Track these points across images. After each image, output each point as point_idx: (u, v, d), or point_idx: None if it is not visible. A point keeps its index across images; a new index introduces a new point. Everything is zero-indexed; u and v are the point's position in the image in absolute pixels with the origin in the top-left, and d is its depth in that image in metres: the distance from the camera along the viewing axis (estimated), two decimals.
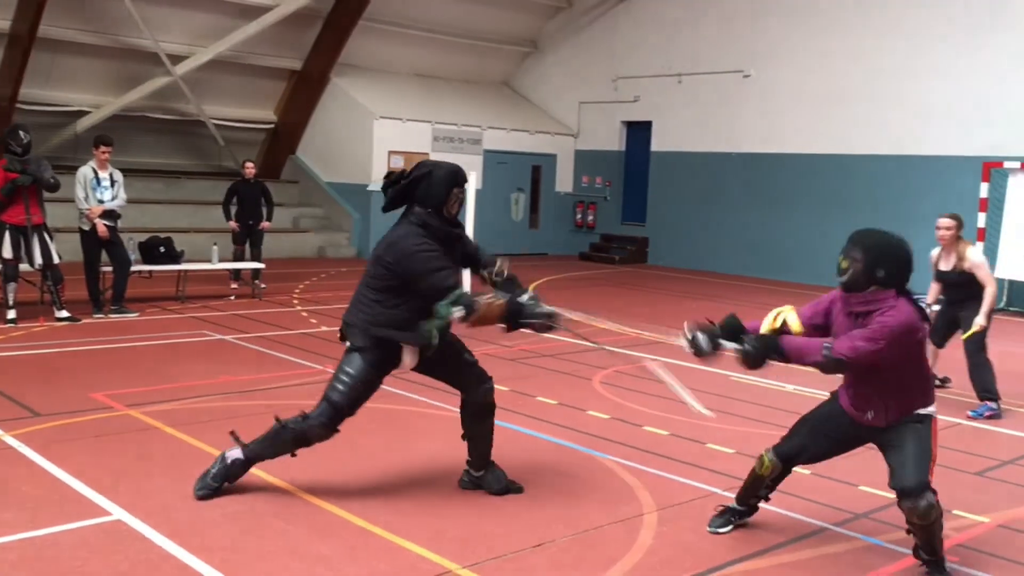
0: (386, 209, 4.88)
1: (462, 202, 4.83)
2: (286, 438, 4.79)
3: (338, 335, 4.95)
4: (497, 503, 4.97)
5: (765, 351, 4.31)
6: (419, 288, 4.60)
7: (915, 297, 4.14)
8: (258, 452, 4.85)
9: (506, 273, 5.06)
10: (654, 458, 5.85)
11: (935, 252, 7.81)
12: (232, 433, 4.91)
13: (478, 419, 5.03)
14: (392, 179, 4.82)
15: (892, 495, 5.28)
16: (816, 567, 4.32)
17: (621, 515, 4.83)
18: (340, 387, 4.74)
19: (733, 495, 5.21)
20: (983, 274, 7.46)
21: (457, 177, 4.79)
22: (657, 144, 19.67)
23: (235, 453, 4.84)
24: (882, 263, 4.05)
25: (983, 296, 7.45)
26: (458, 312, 4.45)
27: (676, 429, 6.58)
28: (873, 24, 16.40)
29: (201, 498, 4.76)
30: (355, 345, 4.79)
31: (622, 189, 20.68)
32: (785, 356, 4.23)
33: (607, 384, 7.98)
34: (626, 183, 20.62)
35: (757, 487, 4.67)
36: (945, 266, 7.69)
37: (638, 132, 20.20)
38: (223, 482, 4.83)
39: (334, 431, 4.81)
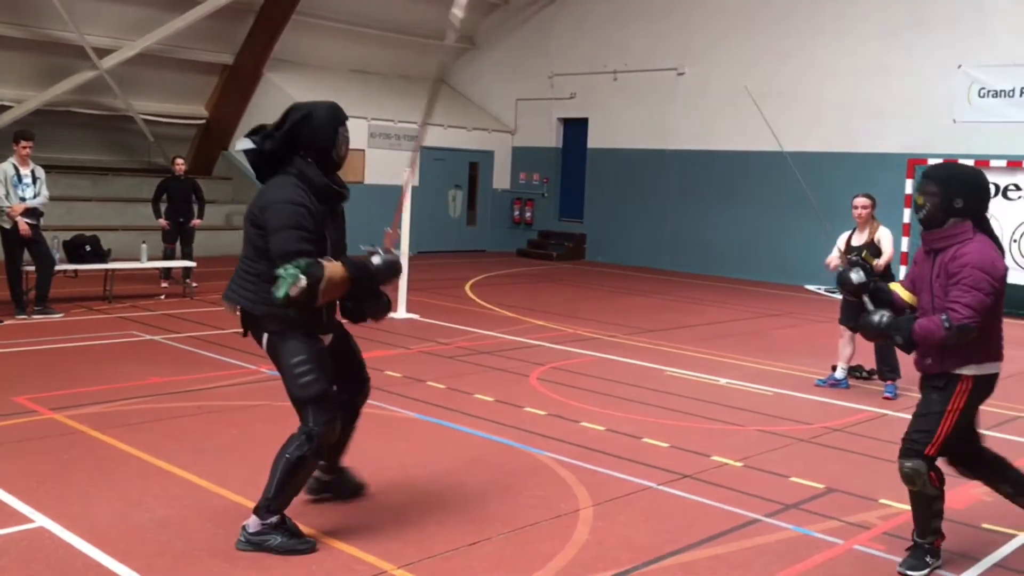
0: (262, 176, 4.30)
1: (348, 141, 4.32)
2: (306, 468, 4.26)
3: (240, 330, 4.40)
4: (433, 501, 4.94)
5: (894, 327, 4.14)
6: (269, 246, 4.04)
7: (992, 231, 4.18)
8: (283, 499, 4.24)
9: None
10: (591, 454, 5.87)
11: (845, 234, 8.08)
12: None
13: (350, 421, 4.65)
14: (262, 132, 4.26)
15: (822, 486, 5.42)
16: (749, 558, 4.38)
17: (558, 511, 4.84)
18: (303, 379, 4.14)
19: (669, 489, 5.26)
20: (887, 243, 7.88)
21: (340, 113, 4.30)
22: (594, 141, 19.80)
23: (253, 523, 4.20)
24: (959, 192, 4.06)
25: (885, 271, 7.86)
26: (302, 281, 3.86)
27: (613, 425, 6.61)
28: (802, 24, 16.75)
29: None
30: (271, 328, 4.21)
31: (559, 186, 20.77)
32: (911, 340, 4.08)
33: (545, 381, 8.00)
34: (563, 180, 20.71)
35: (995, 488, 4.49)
36: (857, 241, 7.97)
37: (575, 129, 20.30)
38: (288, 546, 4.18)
39: (335, 419, 4.26)
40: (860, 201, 8.03)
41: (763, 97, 17.15)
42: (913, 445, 4.14)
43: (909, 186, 14.59)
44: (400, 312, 11.12)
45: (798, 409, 7.42)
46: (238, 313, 4.32)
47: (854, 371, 8.43)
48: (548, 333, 10.41)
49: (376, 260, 4.24)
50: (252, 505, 4.33)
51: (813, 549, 4.51)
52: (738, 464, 5.81)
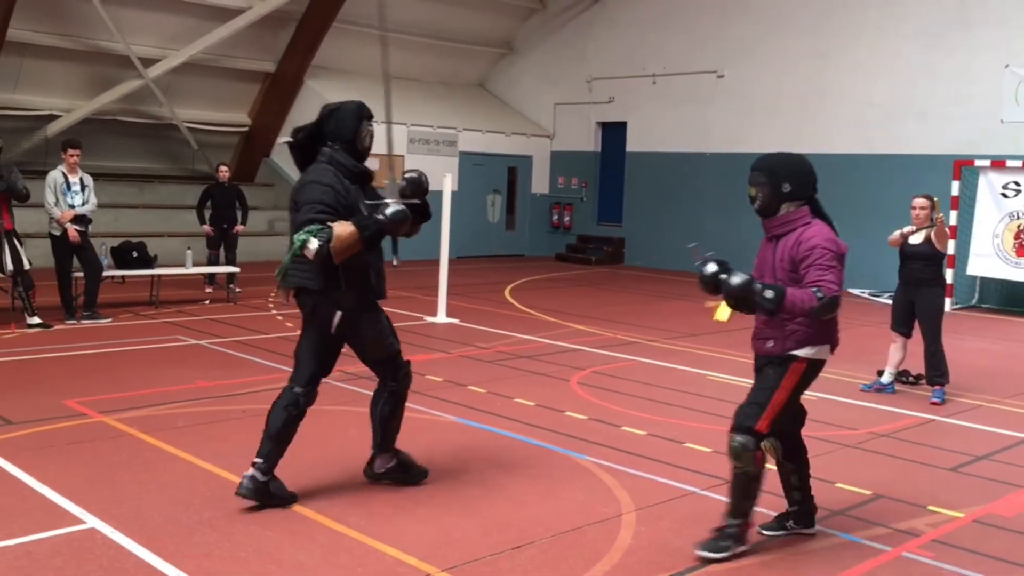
0: (301, 164, 4.94)
1: (372, 135, 4.94)
2: (398, 416, 5.21)
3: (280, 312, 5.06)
4: (475, 505, 4.96)
5: (763, 288, 4.17)
6: (296, 221, 4.62)
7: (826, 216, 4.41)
8: (393, 438, 5.20)
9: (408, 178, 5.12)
10: (632, 458, 5.85)
11: (902, 230, 7.94)
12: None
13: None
14: (300, 129, 4.94)
15: (869, 492, 5.36)
16: (793, 564, 4.34)
17: (600, 516, 4.83)
18: (388, 340, 5.01)
19: (711, 494, 5.23)
20: (943, 241, 7.80)
21: (364, 110, 4.92)
22: (632, 144, 19.73)
23: (382, 463, 5.17)
24: (785, 177, 4.31)
25: (938, 273, 7.87)
26: (313, 243, 4.44)
27: (654, 429, 6.59)
28: (842, 24, 16.55)
29: None
30: (345, 306, 4.81)
31: (598, 190, 20.72)
32: (780, 303, 4.12)
33: (585, 385, 7.98)
34: (602, 184, 20.66)
35: (784, 477, 4.65)
36: (915, 240, 7.86)
37: (613, 133, 20.25)
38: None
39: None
40: (918, 202, 7.93)
41: (804, 98, 17.11)
42: (745, 420, 4.29)
43: (955, 188, 14.37)
44: (440, 317, 11.17)
45: (842, 414, 7.32)
46: (291, 298, 4.93)
47: (901, 376, 8.31)
48: (588, 337, 10.39)
49: (387, 211, 4.68)
50: (296, 508, 4.39)
51: (860, 556, 4.46)
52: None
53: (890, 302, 8.20)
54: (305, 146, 4.93)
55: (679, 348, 9.98)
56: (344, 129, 4.82)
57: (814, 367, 4.36)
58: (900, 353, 8.02)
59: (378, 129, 5.07)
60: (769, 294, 4.11)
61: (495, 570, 4.14)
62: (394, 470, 5.15)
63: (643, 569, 4.19)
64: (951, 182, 14.40)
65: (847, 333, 12.09)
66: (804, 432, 6.59)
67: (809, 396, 7.78)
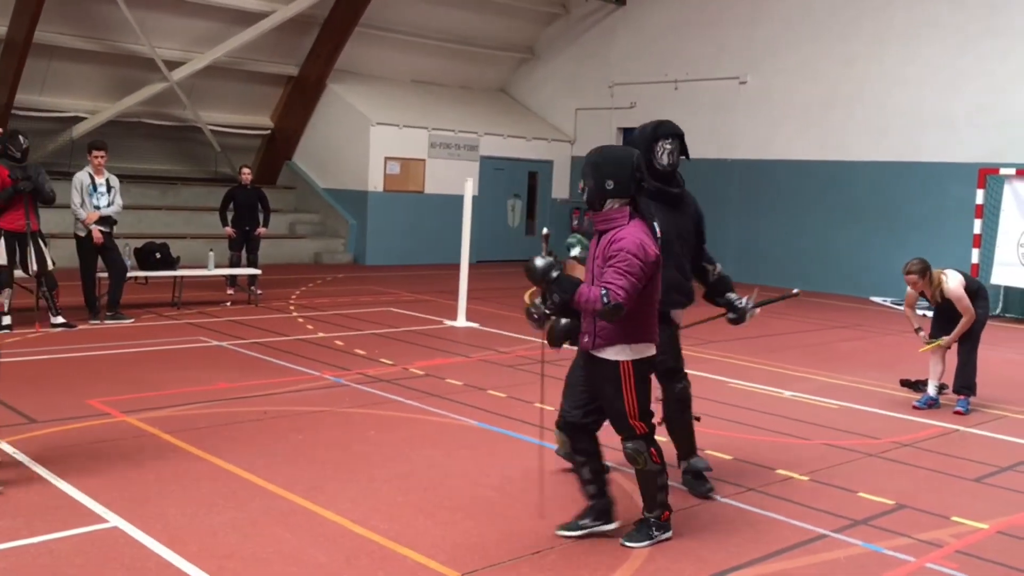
0: None
1: (671, 152, 5.09)
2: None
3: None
4: (495, 509, 4.95)
5: (560, 281, 4.27)
6: None
7: (650, 222, 4.52)
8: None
9: (717, 273, 5.54)
10: None
11: (913, 293, 7.82)
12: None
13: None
14: None
15: (892, 501, 5.31)
16: (817, 573, 4.30)
17: (621, 522, 4.80)
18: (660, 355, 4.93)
19: (732, 501, 5.20)
20: (963, 306, 7.52)
21: (660, 129, 5.09)
22: None
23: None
24: (608, 174, 4.29)
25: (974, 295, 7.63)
26: (574, 251, 4.78)
27: None
28: (867, 30, 16.45)
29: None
30: None
31: None
32: (571, 297, 4.22)
33: None
34: None
35: (575, 467, 4.67)
36: (926, 302, 7.80)
37: None
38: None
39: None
40: (909, 279, 7.56)
41: (828, 105, 17.02)
42: (624, 431, 4.42)
43: (980, 196, 14.24)
44: (460, 320, 11.19)
45: (866, 423, 7.26)
46: None
47: (905, 382, 8.26)
48: None
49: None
50: (318, 510, 4.39)
51: (883, 566, 4.41)
52: (804, 478, 5.71)
53: (931, 313, 8.04)
54: None
55: (700, 355, 9.93)
56: (640, 150, 4.78)
57: (642, 365, 4.41)
58: (940, 364, 7.89)
59: None
60: (557, 280, 4.24)
61: (515, 575, 4.13)
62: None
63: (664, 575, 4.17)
64: (976, 190, 14.27)
65: (871, 342, 12.00)
66: (827, 441, 6.56)
67: (830, 404, 7.78)
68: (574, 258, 4.90)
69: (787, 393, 8.18)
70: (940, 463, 6.22)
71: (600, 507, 4.60)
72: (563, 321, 4.52)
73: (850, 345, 11.20)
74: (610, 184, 4.28)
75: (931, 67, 15.69)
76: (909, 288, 7.74)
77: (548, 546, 4.45)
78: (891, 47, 16.14)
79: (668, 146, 5.05)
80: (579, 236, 4.90)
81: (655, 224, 4.87)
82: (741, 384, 8.48)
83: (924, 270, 7.53)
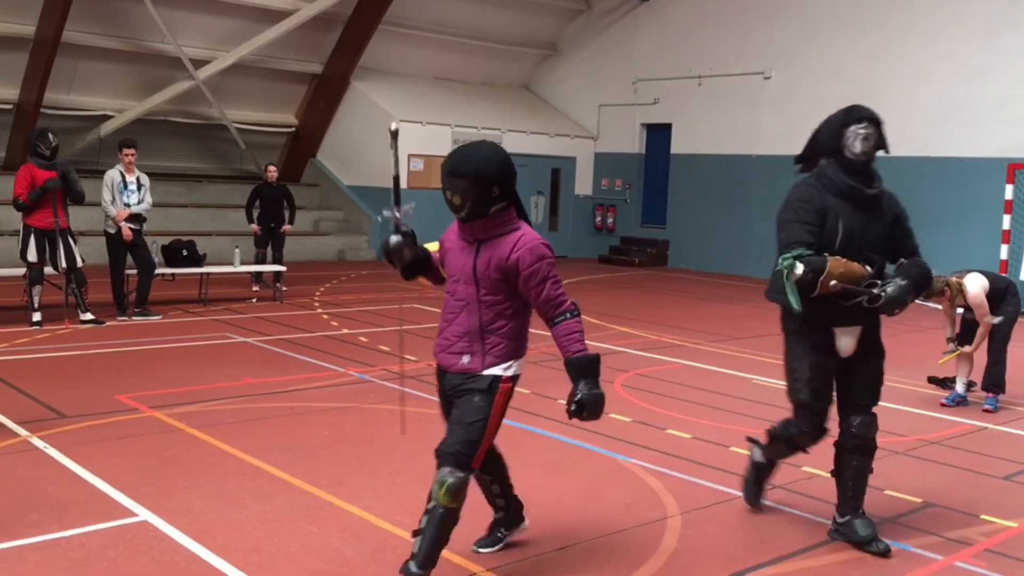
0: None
1: (865, 138, 4.32)
2: (781, 445, 4.83)
3: None
4: None
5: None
6: (778, 241, 4.34)
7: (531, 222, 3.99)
8: (769, 456, 4.95)
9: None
10: (677, 461, 5.82)
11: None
12: (749, 439, 5.08)
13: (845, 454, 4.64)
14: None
15: (919, 499, 5.27)
16: (843, 571, 4.28)
17: (645, 519, 4.80)
18: (794, 384, 4.57)
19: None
20: (981, 314, 7.45)
21: (848, 115, 4.38)
22: (677, 146, 19.61)
23: (757, 455, 4.98)
24: (494, 180, 3.70)
25: (1004, 294, 7.54)
26: (798, 268, 4.11)
27: (699, 433, 6.54)
28: (892, 24, 16.31)
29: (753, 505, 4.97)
30: (784, 327, 4.60)
31: (642, 192, 20.64)
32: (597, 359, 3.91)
33: (629, 387, 7.95)
34: (646, 186, 20.57)
35: (483, 485, 4.28)
36: (955, 310, 7.75)
37: (658, 134, 20.15)
38: (756, 482, 4.98)
39: (819, 432, 4.62)
40: (932, 302, 7.64)
41: (853, 100, 16.80)
42: (461, 458, 3.72)
43: (1009, 191, 14.08)
44: None
45: (892, 421, 7.20)
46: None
47: (933, 380, 8.19)
48: (631, 340, 10.35)
49: (889, 289, 4.29)
50: (344, 505, 4.41)
51: (911, 564, 4.38)
52: (829, 475, 5.67)
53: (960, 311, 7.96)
54: (804, 162, 4.56)
55: (724, 352, 9.90)
56: (826, 141, 4.40)
57: (515, 383, 3.92)
58: (968, 362, 7.82)
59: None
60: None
61: (539, 571, 4.14)
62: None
63: (689, 573, 4.16)
64: (1005, 185, 14.11)
65: (898, 339, 11.93)
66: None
67: None
68: (801, 278, 4.16)
69: None
70: (969, 461, 6.16)
71: (512, 514, 4.33)
72: (394, 239, 3.92)
73: None
74: (496, 191, 3.71)
75: (957, 61, 15.52)
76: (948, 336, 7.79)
77: (572, 542, 4.46)
78: (916, 41, 15.99)
79: (862, 131, 4.30)
80: (800, 250, 4.16)
81: (839, 225, 4.30)
82: (766, 381, 8.44)
83: (940, 290, 7.47)
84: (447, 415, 3.94)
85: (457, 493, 3.69)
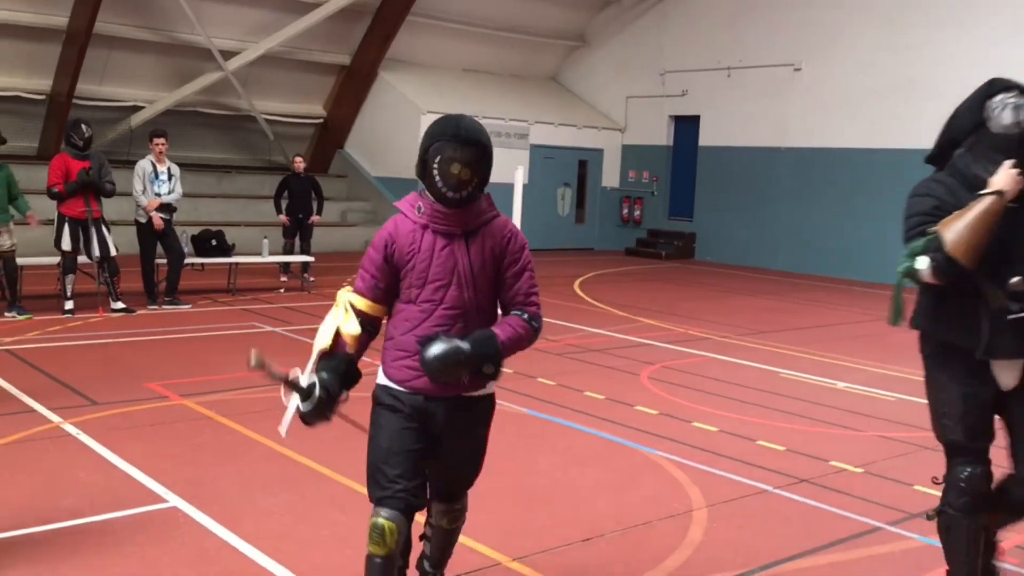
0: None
1: (1016, 107, 3.35)
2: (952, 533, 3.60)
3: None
4: (544, 496, 4.97)
5: (479, 350, 3.03)
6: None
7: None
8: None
9: None
10: (703, 454, 5.81)
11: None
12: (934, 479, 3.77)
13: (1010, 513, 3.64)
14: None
15: None
16: (871, 567, 4.26)
17: (670, 511, 4.80)
18: (941, 421, 3.61)
19: (785, 492, 5.16)
20: None
21: (991, 87, 3.48)
22: (705, 139, 19.50)
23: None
24: (490, 159, 3.09)
25: None
26: (921, 263, 3.29)
27: (726, 426, 6.52)
28: (924, 15, 16.09)
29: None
30: (922, 350, 3.71)
31: (669, 184, 20.55)
32: (503, 353, 3.08)
33: (655, 380, 7.94)
34: (673, 178, 20.48)
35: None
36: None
37: (686, 126, 20.05)
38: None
39: (982, 479, 3.55)
40: None
41: (885, 92, 16.69)
42: (465, 489, 3.40)
43: None
44: None
45: (922, 415, 7.08)
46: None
47: None
48: (658, 332, 10.33)
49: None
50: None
51: (939, 560, 4.34)
52: (858, 470, 5.64)
53: None
54: (938, 158, 3.66)
55: (751, 345, 9.85)
56: (959, 127, 3.54)
57: None
58: None
59: None
60: (472, 351, 2.99)
61: (565, 561, 4.15)
62: None
63: (714, 566, 4.16)
64: None
65: None
66: (881, 433, 6.47)
67: (886, 397, 7.66)
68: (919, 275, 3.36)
69: (840, 384, 8.07)
70: (1000, 457, 6.08)
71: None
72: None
73: (904, 336, 10.92)
74: (488, 171, 3.11)
75: (990, 53, 15.27)
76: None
77: (597, 533, 4.47)
78: (948, 31, 15.77)
79: (1011, 100, 3.37)
80: (927, 239, 3.29)
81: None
82: (793, 374, 8.40)
83: None
84: (416, 450, 3.12)
85: (460, 515, 3.49)
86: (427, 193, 3.12)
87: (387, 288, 3.16)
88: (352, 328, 3.16)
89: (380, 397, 3.21)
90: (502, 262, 3.15)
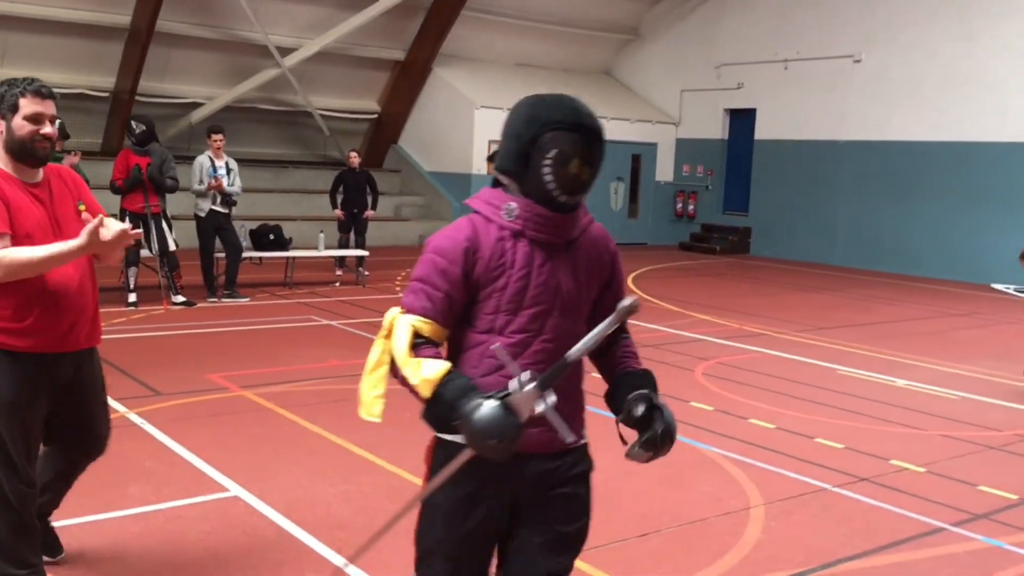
0: None
1: None
2: None
3: None
4: (600, 492, 4.94)
5: (641, 401, 2.62)
6: None
7: None
8: None
9: None
10: (761, 451, 5.75)
11: None
12: None
13: None
14: None
15: (1015, 496, 5.09)
16: (934, 567, 4.18)
17: (728, 508, 4.76)
18: None
19: (844, 491, 5.08)
20: None
21: None
22: (761, 132, 19.24)
23: None
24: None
25: None
26: None
27: (783, 423, 6.44)
28: (987, 5, 15.66)
29: None
30: None
31: (724, 178, 20.33)
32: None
33: (710, 376, 7.87)
34: (728, 172, 20.25)
35: None
36: None
37: (741, 120, 19.80)
38: None
39: None
40: None
41: (947, 83, 16.30)
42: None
43: None
44: None
45: (986, 415, 6.98)
46: None
47: None
48: (713, 328, 10.23)
49: None
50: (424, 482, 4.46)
51: (1005, 562, 4.25)
52: (920, 469, 5.54)
53: None
54: None
55: (808, 341, 9.71)
56: None
57: None
58: None
59: None
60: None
61: (621, 556, 4.14)
62: None
63: (772, 564, 4.12)
64: None
65: (990, 331, 11.49)
66: (944, 432, 6.35)
67: (950, 395, 7.50)
68: None
69: (900, 382, 7.92)
70: None
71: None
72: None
73: (968, 334, 10.76)
74: None
75: None
76: None
77: (654, 529, 4.45)
78: (1012, 22, 15.33)
79: None
80: None
81: None
82: (852, 372, 8.26)
83: None
84: (492, 535, 2.52)
85: None
86: (517, 192, 2.40)
87: (461, 310, 2.41)
88: (437, 367, 2.33)
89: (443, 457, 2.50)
90: (603, 278, 2.57)
